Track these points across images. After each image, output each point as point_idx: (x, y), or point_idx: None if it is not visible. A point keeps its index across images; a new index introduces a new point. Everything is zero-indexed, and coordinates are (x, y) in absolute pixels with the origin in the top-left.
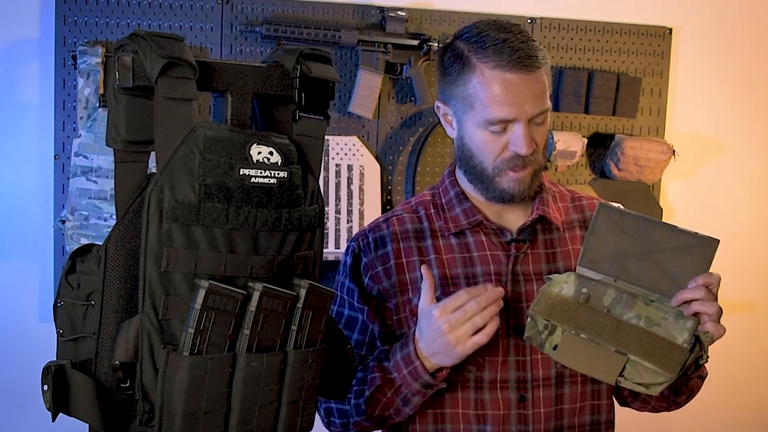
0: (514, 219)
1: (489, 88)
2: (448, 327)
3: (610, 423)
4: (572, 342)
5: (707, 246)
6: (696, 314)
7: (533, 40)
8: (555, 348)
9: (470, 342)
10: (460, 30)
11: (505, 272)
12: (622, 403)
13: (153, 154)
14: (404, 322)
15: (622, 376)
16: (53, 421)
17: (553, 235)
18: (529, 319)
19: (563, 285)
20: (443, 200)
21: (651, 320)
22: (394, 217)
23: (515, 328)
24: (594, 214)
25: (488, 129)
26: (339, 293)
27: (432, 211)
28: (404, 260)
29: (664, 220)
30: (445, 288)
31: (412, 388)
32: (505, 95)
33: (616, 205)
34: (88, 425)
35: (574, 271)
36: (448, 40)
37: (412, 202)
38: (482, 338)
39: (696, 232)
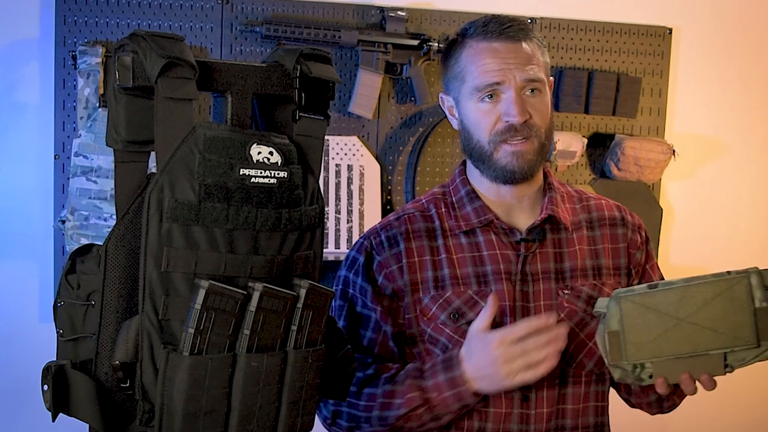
0: (524, 218)
1: (476, 59)
2: (504, 359)
3: (607, 426)
4: (665, 365)
5: (736, 284)
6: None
7: (525, 23)
8: (651, 377)
9: (519, 377)
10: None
11: (514, 271)
12: (630, 405)
13: (153, 154)
14: (414, 322)
15: (729, 366)
16: (53, 421)
17: (562, 235)
18: (612, 367)
19: (612, 314)
20: (454, 198)
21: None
22: (405, 216)
23: None
24: (618, 311)
25: (480, 101)
26: (350, 290)
27: (443, 209)
28: (416, 259)
29: (664, 222)
30: (455, 287)
31: (451, 408)
32: (492, 62)
33: (635, 289)
34: (88, 425)
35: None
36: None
37: (423, 201)
38: (531, 377)
39: (721, 274)
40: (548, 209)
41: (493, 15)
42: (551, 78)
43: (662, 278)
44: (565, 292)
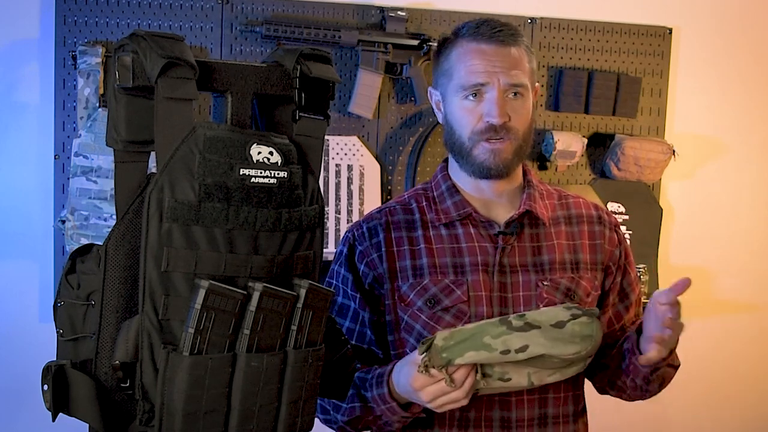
0: (502, 212)
1: (465, 58)
2: (427, 398)
3: (585, 414)
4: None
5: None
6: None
7: (516, 28)
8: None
9: (446, 407)
10: None
11: (492, 263)
12: (601, 392)
13: (153, 154)
14: (392, 309)
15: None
16: (53, 421)
17: (539, 230)
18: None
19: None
20: (435, 193)
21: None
22: (386, 209)
23: (500, 317)
24: None
25: (465, 99)
26: (334, 281)
27: (424, 203)
28: (395, 249)
29: (664, 222)
30: (433, 276)
31: (392, 419)
32: (479, 62)
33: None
34: (88, 425)
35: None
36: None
37: (405, 196)
38: (455, 407)
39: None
40: (526, 204)
41: (486, 18)
42: (537, 84)
43: (637, 275)
44: (545, 283)
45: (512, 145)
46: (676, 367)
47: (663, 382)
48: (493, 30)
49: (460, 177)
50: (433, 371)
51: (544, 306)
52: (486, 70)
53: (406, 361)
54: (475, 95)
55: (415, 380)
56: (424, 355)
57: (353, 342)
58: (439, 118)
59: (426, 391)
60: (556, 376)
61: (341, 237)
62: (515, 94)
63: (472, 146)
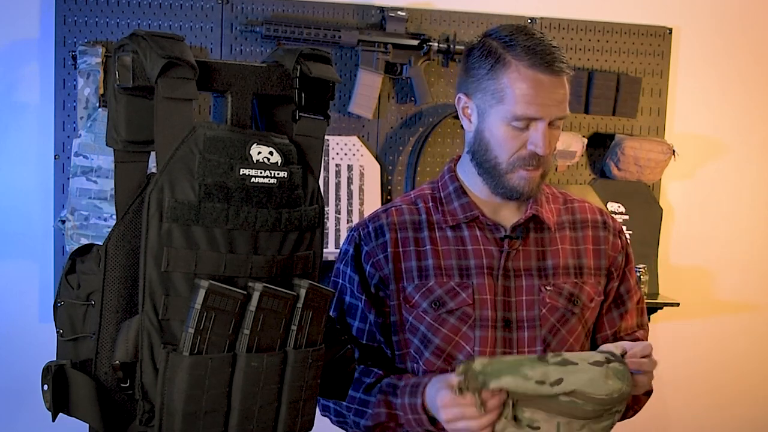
0: (509, 216)
1: (521, 85)
2: (446, 418)
3: None
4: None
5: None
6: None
7: (563, 53)
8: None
9: (457, 424)
10: (488, 30)
11: (496, 267)
12: None
13: (153, 154)
14: (396, 310)
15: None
16: (53, 421)
17: (545, 234)
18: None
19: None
20: (442, 194)
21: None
22: (393, 208)
23: (504, 321)
24: None
25: (512, 124)
26: (340, 281)
27: (430, 204)
28: (401, 249)
29: (664, 222)
30: (438, 277)
31: (415, 430)
32: (535, 94)
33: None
34: (88, 425)
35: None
36: (477, 39)
37: (412, 195)
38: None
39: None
40: (533, 209)
41: (536, 37)
42: None
43: (637, 282)
44: (548, 288)
45: (542, 171)
46: (648, 395)
47: (630, 411)
48: (549, 58)
49: (469, 178)
50: (466, 394)
51: (546, 311)
52: (542, 104)
53: (444, 378)
54: (523, 125)
55: (443, 397)
56: (461, 377)
57: (364, 341)
58: (466, 125)
59: (448, 410)
60: (584, 431)
61: (342, 236)
62: (556, 125)
63: (509, 170)
